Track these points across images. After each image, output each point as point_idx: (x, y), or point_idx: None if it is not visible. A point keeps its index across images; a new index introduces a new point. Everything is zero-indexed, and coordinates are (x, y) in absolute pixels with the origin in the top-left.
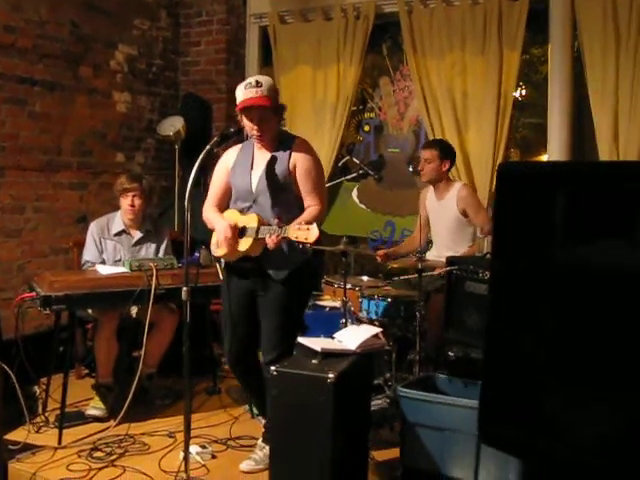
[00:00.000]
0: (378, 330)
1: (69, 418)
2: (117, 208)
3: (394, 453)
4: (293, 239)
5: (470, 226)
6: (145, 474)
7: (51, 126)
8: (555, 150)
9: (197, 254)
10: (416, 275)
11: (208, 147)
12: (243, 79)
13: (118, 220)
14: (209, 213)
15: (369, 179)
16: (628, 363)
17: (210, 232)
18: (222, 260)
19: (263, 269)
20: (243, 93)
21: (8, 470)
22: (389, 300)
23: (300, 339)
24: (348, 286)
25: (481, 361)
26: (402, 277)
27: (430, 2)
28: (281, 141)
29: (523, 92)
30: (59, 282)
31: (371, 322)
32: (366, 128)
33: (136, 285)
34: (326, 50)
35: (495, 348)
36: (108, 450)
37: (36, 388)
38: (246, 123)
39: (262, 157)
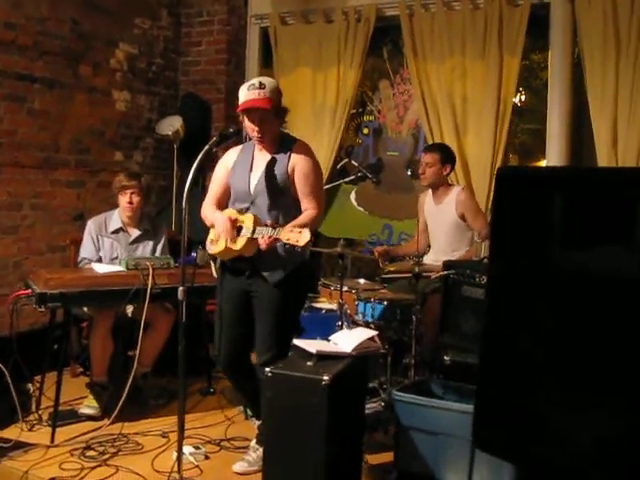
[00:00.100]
0: (374, 333)
1: (62, 416)
2: (114, 207)
3: (388, 457)
4: (285, 241)
5: (468, 230)
6: (138, 474)
7: (50, 123)
8: (554, 156)
9: (194, 254)
10: (411, 275)
11: (207, 147)
12: (243, 80)
13: (116, 218)
14: (207, 211)
15: (367, 182)
16: (626, 368)
17: (207, 231)
18: (218, 259)
19: (258, 270)
20: (245, 94)
21: (0, 468)
22: (385, 303)
23: (295, 341)
24: (344, 289)
25: (476, 366)
26: (398, 275)
27: (431, 6)
28: (281, 143)
29: (522, 98)
30: (55, 280)
31: (367, 325)
32: (365, 131)
33: (132, 284)
34: (327, 52)
35: (491, 352)
36: (101, 449)
37: (30, 386)
38: (247, 124)
39: (262, 159)
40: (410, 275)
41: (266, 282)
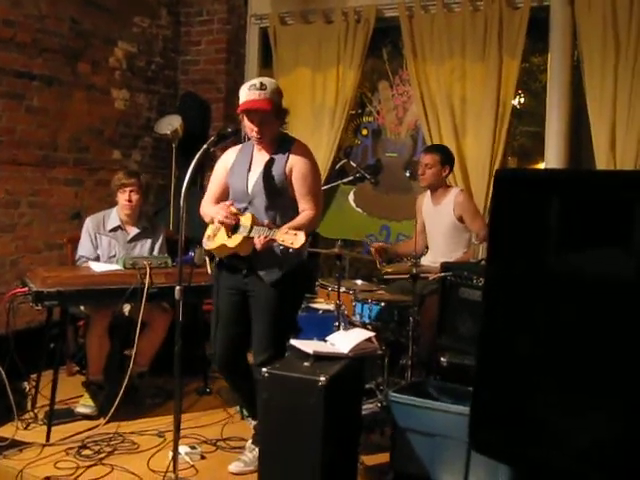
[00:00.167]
0: (371, 334)
1: (58, 415)
2: (112, 205)
3: (384, 458)
4: (280, 242)
5: (466, 232)
6: (133, 473)
7: (48, 121)
8: (552, 159)
9: (191, 253)
10: (409, 276)
11: (205, 146)
12: (243, 79)
13: (114, 216)
14: (206, 207)
15: (366, 183)
16: (624, 370)
17: (205, 230)
18: (214, 257)
19: (254, 269)
20: (246, 94)
21: None
22: (383, 304)
23: (292, 341)
24: (342, 289)
25: (473, 367)
26: (395, 276)
27: (431, 7)
28: (280, 144)
29: (522, 100)
30: (52, 278)
31: (364, 326)
32: (364, 132)
33: (129, 283)
34: (326, 53)
35: (488, 354)
36: (97, 448)
37: (26, 384)
38: (246, 124)
39: (260, 159)
40: (408, 277)
41: (263, 281)
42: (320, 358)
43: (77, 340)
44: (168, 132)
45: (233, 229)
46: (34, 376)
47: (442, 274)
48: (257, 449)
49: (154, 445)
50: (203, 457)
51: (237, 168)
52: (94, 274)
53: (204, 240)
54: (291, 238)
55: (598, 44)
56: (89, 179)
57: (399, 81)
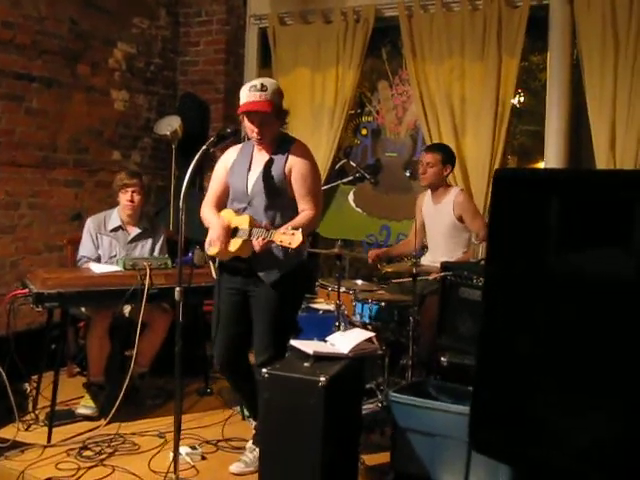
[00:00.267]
0: (371, 334)
1: (59, 416)
2: (112, 206)
3: (385, 457)
4: (278, 243)
5: (466, 232)
6: (134, 474)
7: (48, 123)
8: (552, 158)
9: (190, 254)
10: (410, 279)
11: (204, 147)
12: (242, 80)
13: (115, 216)
14: (206, 212)
15: (365, 183)
16: (624, 370)
17: (205, 232)
18: (217, 259)
19: (255, 271)
20: (247, 95)
21: None
22: (383, 304)
23: (292, 342)
24: (342, 289)
25: (473, 367)
26: (396, 280)
27: (430, 7)
28: (279, 144)
29: (521, 99)
30: (52, 279)
31: (364, 326)
32: (364, 132)
33: (129, 284)
34: (325, 53)
35: (488, 354)
36: (97, 449)
37: (27, 385)
38: (247, 125)
39: (260, 159)
40: (409, 278)
41: (263, 282)
42: (320, 358)
43: (78, 341)
44: (167, 133)
45: (232, 233)
46: (35, 377)
47: (442, 274)
48: (258, 449)
49: (155, 446)
50: (204, 458)
51: (237, 168)
52: (94, 275)
53: (205, 245)
54: (289, 238)
55: (597, 43)
56: (89, 180)
57: (398, 81)
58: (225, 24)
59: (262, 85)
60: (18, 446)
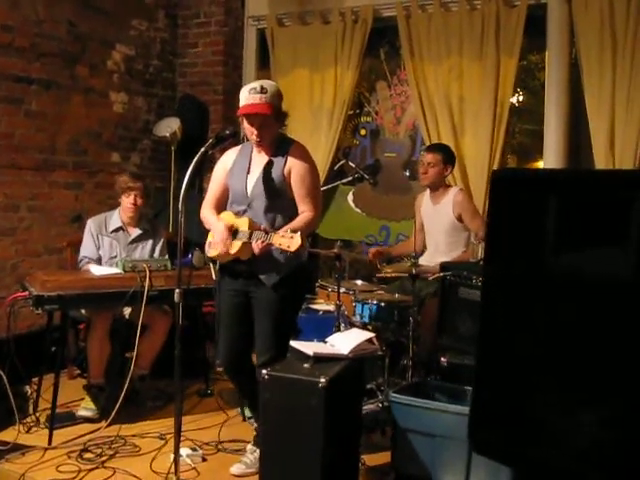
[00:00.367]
0: (371, 335)
1: (60, 419)
2: (112, 208)
3: (385, 458)
4: (277, 246)
5: (465, 231)
6: (135, 476)
7: (47, 125)
8: (551, 157)
9: (190, 256)
10: (408, 276)
11: (203, 149)
12: (240, 81)
13: (116, 217)
14: (206, 213)
15: (365, 183)
16: (623, 370)
17: (205, 233)
18: (217, 261)
19: (255, 273)
20: (246, 97)
21: None
22: (383, 305)
23: (292, 343)
24: (342, 290)
25: (473, 367)
26: (394, 274)
27: (428, 7)
28: (278, 145)
29: (520, 98)
30: (51, 282)
31: (364, 326)
32: (362, 132)
33: (129, 286)
34: (324, 54)
35: (487, 354)
36: (98, 451)
37: (27, 388)
38: (246, 127)
39: (259, 161)
40: (406, 275)
41: (264, 284)
42: (320, 359)
43: (78, 343)
44: (167, 134)
45: (232, 235)
46: (35, 380)
47: (441, 274)
48: (258, 451)
49: (155, 448)
50: (204, 459)
51: (236, 170)
52: (94, 278)
53: (206, 247)
54: (287, 241)
55: (595, 42)
56: (88, 182)
57: (397, 81)
58: (223, 25)
59: (262, 87)
60: (19, 448)
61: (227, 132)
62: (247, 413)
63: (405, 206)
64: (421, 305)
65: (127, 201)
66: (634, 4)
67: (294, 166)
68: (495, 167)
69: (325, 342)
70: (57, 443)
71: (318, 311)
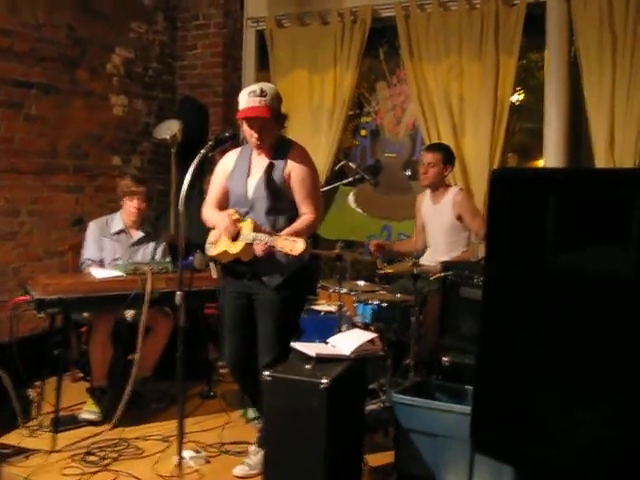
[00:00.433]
0: (373, 335)
1: (63, 422)
2: (113, 211)
3: (388, 458)
4: (279, 249)
5: (465, 231)
6: (138, 478)
7: (47, 129)
8: (551, 155)
9: (191, 258)
10: (410, 276)
11: (203, 151)
12: (240, 83)
13: (118, 220)
14: (208, 211)
15: (366, 183)
16: (623, 369)
17: (206, 235)
18: (218, 261)
19: (258, 274)
20: (246, 101)
21: (1, 474)
22: (385, 305)
23: (294, 344)
24: (344, 290)
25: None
26: (396, 272)
27: (427, 7)
28: (278, 148)
29: (520, 97)
30: (53, 285)
31: (366, 327)
32: (363, 132)
33: (130, 289)
34: (323, 54)
35: (488, 353)
36: (102, 454)
37: (30, 391)
38: (246, 129)
39: (259, 163)
40: (408, 275)
41: (266, 285)
42: (322, 360)
43: (80, 346)
44: (167, 137)
45: (235, 235)
46: (38, 383)
47: (443, 274)
48: (261, 452)
49: (159, 450)
50: (208, 461)
51: (236, 173)
52: (95, 281)
53: (207, 246)
54: (290, 245)
55: (595, 40)
56: (89, 185)
57: (396, 81)
58: (222, 27)
59: (261, 90)
60: (23, 452)
61: (227, 134)
62: (250, 415)
63: (406, 206)
64: (423, 305)
65: (130, 205)
66: (633, 2)
67: (294, 168)
68: (495, 166)
69: (327, 343)
70: (61, 446)
71: (320, 312)
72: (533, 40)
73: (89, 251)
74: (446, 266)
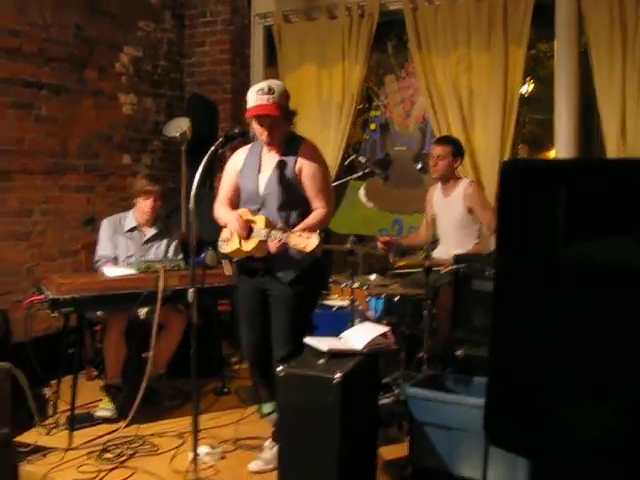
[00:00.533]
0: (385, 329)
1: (79, 420)
2: (124, 210)
3: (403, 452)
4: (292, 246)
5: (476, 223)
6: (154, 475)
7: (57, 129)
8: (562, 146)
9: (203, 255)
10: (422, 270)
11: (212, 148)
12: (248, 79)
13: (130, 218)
14: (220, 209)
15: (376, 177)
16: (634, 360)
17: (217, 232)
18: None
19: (272, 270)
20: (254, 99)
21: (19, 472)
22: (397, 298)
23: (307, 339)
24: (356, 285)
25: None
26: (408, 270)
27: None
28: (288, 144)
29: (530, 87)
30: (66, 285)
31: (379, 321)
32: (372, 126)
33: (143, 287)
34: (331, 49)
35: (500, 345)
36: (118, 451)
37: (46, 390)
38: (255, 127)
39: (270, 160)
40: (420, 269)
41: (279, 281)
42: (335, 355)
43: (95, 345)
44: (177, 135)
45: (248, 233)
46: (54, 382)
47: (455, 266)
48: (276, 447)
49: (174, 446)
50: (223, 457)
51: (247, 170)
52: (108, 279)
53: (219, 243)
54: (304, 242)
55: (605, 31)
56: (100, 185)
57: (405, 74)
58: (230, 24)
59: (269, 88)
60: (40, 450)
61: (236, 131)
62: (264, 410)
63: (417, 199)
64: (435, 298)
65: (145, 204)
66: None
67: (304, 164)
68: (506, 158)
69: (339, 338)
70: (77, 444)
71: (332, 307)
72: (542, 30)
73: (103, 249)
74: (458, 259)
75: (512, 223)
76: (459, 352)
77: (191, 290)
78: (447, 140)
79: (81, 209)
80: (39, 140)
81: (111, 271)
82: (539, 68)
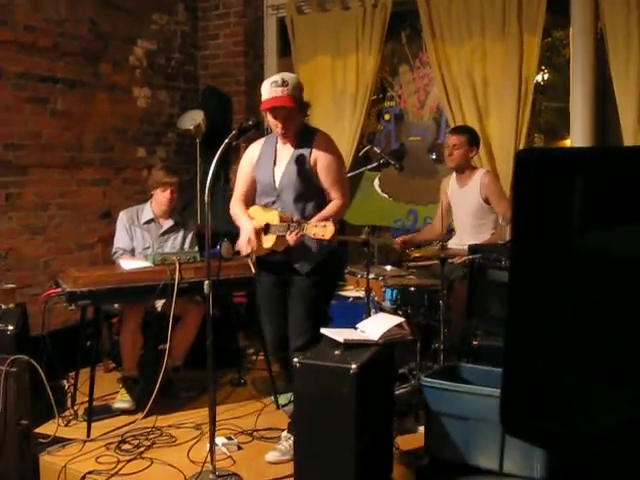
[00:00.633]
0: (401, 320)
1: (97, 411)
2: (140, 203)
3: (419, 442)
4: (311, 236)
5: (492, 213)
6: (172, 466)
7: (73, 123)
8: (578, 135)
9: (218, 247)
10: (437, 261)
11: (227, 141)
12: (262, 71)
13: (147, 209)
14: (235, 209)
15: (391, 168)
16: None
17: (233, 224)
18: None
19: (290, 262)
20: (269, 91)
21: (39, 463)
22: (413, 289)
23: (323, 330)
24: (371, 276)
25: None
26: (423, 263)
27: None
28: (302, 136)
29: (546, 76)
30: (83, 278)
31: (395, 312)
32: (386, 117)
33: (159, 279)
34: (345, 39)
35: (516, 335)
36: (136, 442)
37: (64, 382)
38: (270, 120)
39: (285, 152)
40: (435, 261)
41: (297, 272)
42: (351, 346)
43: (112, 337)
44: (191, 127)
45: (265, 230)
46: (72, 374)
47: (470, 257)
48: (293, 438)
49: (191, 437)
50: (240, 447)
51: (262, 163)
52: (124, 272)
53: (239, 245)
54: (321, 231)
55: (621, 17)
56: (116, 178)
57: (419, 64)
58: (243, 16)
59: (283, 80)
60: (59, 441)
61: (250, 123)
62: (281, 401)
63: (432, 189)
64: (450, 288)
65: (163, 195)
66: None
67: (319, 156)
68: (521, 147)
69: (355, 328)
70: (95, 435)
71: (348, 298)
72: (557, 18)
73: (120, 241)
74: (473, 249)
75: (527, 213)
76: (475, 342)
77: (207, 282)
78: (463, 129)
79: (97, 202)
80: (55, 134)
81: (127, 264)
82: (554, 56)
